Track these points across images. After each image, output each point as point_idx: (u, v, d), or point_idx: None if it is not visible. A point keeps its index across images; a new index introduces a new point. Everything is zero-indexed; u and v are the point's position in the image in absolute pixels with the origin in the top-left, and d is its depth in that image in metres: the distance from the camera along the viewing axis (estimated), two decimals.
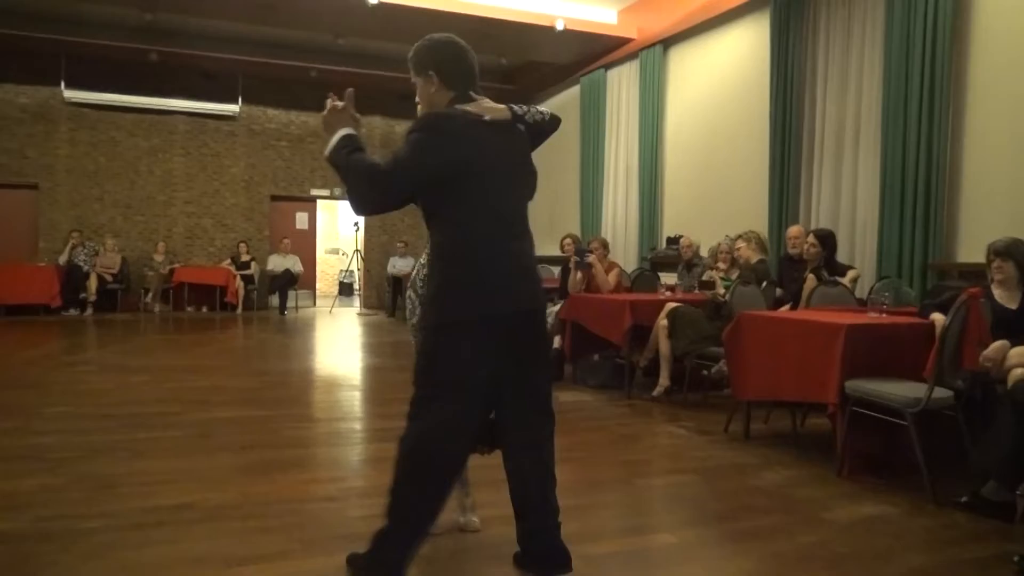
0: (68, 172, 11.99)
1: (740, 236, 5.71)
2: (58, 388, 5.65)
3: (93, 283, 11.33)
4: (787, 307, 5.26)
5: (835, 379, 3.53)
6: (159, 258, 12.06)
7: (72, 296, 11.28)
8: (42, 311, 10.94)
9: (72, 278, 11.28)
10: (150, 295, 11.95)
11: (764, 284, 5.39)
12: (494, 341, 2.18)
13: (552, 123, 2.43)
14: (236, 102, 12.75)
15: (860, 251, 6.38)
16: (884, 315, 3.97)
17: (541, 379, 2.37)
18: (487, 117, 2.25)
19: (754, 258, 5.62)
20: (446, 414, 2.19)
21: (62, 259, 11.38)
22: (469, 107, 2.26)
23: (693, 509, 3.25)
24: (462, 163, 2.16)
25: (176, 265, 12.16)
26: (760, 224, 6.97)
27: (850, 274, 5.38)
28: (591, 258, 6.41)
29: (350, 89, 2.36)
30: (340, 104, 2.36)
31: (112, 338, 9.01)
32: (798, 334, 3.87)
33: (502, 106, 2.31)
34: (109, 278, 11.59)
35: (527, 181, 2.39)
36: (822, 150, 6.83)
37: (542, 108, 2.42)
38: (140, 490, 3.22)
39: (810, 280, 5.16)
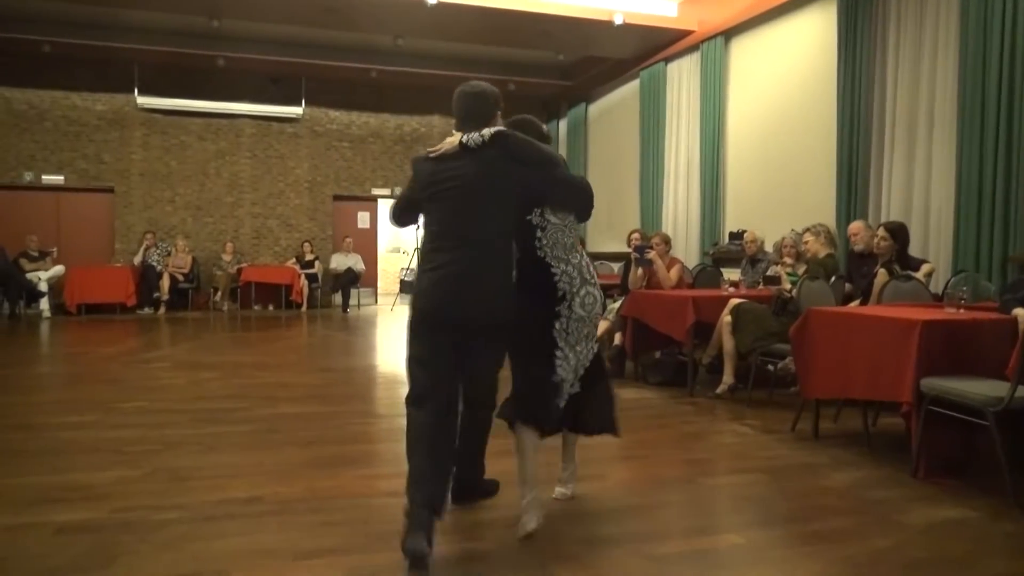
0: (142, 176, 12.46)
1: (808, 230, 5.54)
2: (134, 384, 5.87)
3: (166, 283, 11.76)
4: (856, 303, 5.09)
5: (910, 377, 3.40)
6: (227, 258, 12.43)
7: (146, 295, 11.74)
8: (118, 309, 11.41)
9: (146, 278, 11.74)
10: (219, 294, 12.32)
11: (833, 279, 5.23)
12: (431, 333, 2.69)
13: (497, 142, 2.64)
14: (300, 104, 13.03)
15: (935, 244, 6.13)
16: (962, 310, 3.81)
17: (479, 370, 2.85)
18: (432, 153, 2.73)
19: (822, 252, 5.45)
20: (411, 390, 2.72)
21: (137, 260, 11.84)
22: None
23: (761, 510, 3.18)
24: (418, 191, 2.80)
25: (243, 265, 12.50)
26: (827, 218, 6.77)
27: (924, 268, 5.17)
28: (651, 254, 6.33)
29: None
30: None
31: (184, 336, 9.32)
32: (870, 330, 3.74)
33: (451, 139, 2.69)
34: (180, 278, 12.00)
35: (490, 197, 2.68)
36: (893, 141, 6.59)
37: (483, 131, 2.65)
38: (212, 483, 3.32)
39: (881, 275, 4.97)
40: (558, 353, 2.81)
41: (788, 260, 5.79)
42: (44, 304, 10.96)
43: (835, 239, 5.65)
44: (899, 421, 3.89)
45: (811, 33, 7.79)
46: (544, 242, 2.80)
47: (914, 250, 5.90)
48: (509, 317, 2.74)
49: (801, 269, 5.54)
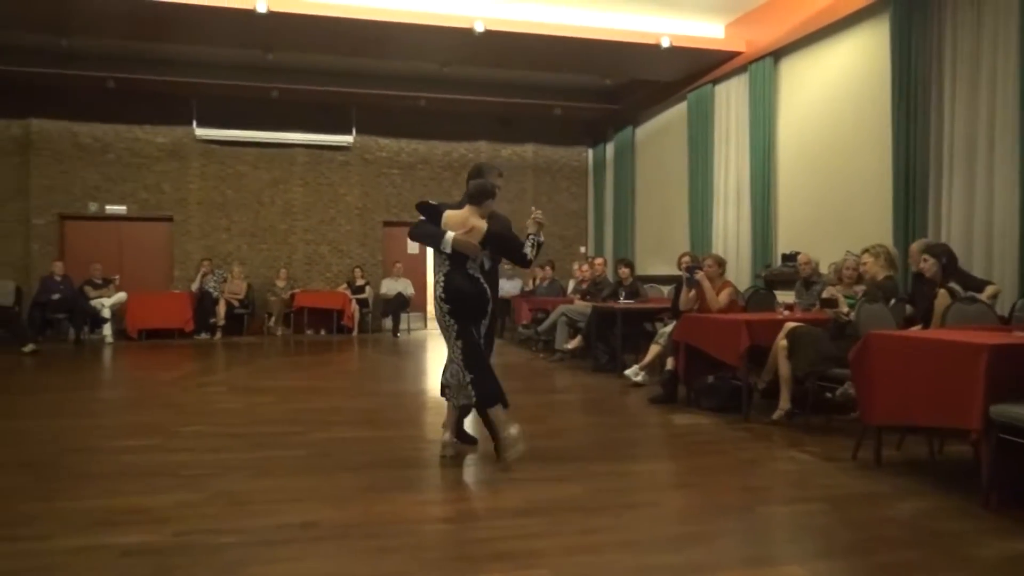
0: (199, 204, 12.84)
1: (867, 250, 5.39)
2: (192, 408, 6.00)
3: (222, 308, 12.04)
4: (919, 327, 4.94)
5: (979, 403, 3.27)
6: (281, 284, 12.68)
7: (203, 321, 12.02)
8: (176, 335, 11.71)
9: (203, 304, 12.03)
10: (273, 319, 12.56)
11: (893, 302, 5.08)
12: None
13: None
14: (350, 133, 13.31)
15: (999, 264, 5.93)
16: None
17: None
18: None
19: (881, 274, 5.30)
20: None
21: (194, 286, 12.16)
22: None
23: (822, 540, 3.08)
24: None
25: (296, 290, 12.74)
26: (884, 239, 6.60)
27: (988, 290, 5.00)
28: (699, 275, 6.29)
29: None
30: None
31: (239, 360, 9.52)
32: (934, 355, 3.62)
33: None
34: (236, 303, 12.28)
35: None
36: (951, 159, 6.43)
37: None
38: (268, 507, 3.36)
39: (941, 296, 4.80)
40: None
41: (846, 282, 5.65)
42: (107, 330, 11.31)
43: (895, 260, 5.49)
44: (967, 449, 3.75)
45: (863, 50, 7.67)
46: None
47: (977, 270, 5.72)
48: None
49: (858, 292, 5.40)
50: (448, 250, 4.07)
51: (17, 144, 12.09)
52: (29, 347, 9.69)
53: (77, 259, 11.85)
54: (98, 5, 8.25)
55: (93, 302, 11.27)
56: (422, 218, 4.26)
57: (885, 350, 3.97)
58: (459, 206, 4.24)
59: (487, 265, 4.26)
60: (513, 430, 4.04)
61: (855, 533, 3.10)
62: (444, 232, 4.05)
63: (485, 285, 4.23)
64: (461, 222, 4.10)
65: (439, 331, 4.36)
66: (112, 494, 3.57)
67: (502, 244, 4.25)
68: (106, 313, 11.29)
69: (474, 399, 4.14)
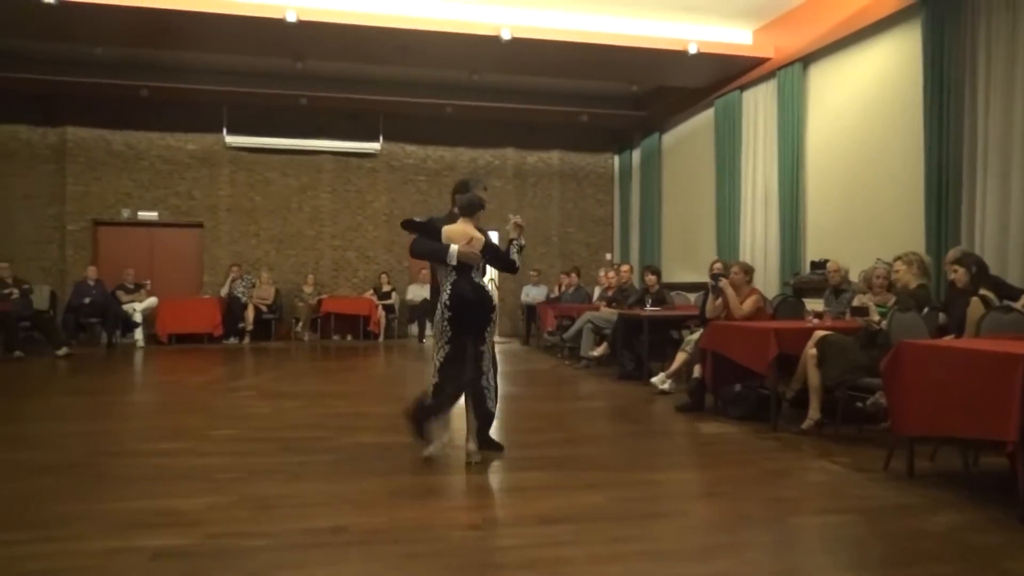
0: (228, 211, 13.02)
1: (899, 258, 5.31)
2: (222, 412, 6.07)
3: (250, 313, 12.18)
4: (951, 336, 4.86)
5: (1015, 414, 3.20)
6: (308, 289, 12.80)
7: (232, 326, 12.16)
8: (206, 339, 11.86)
9: (232, 309, 12.17)
10: (300, 324, 12.68)
11: (925, 311, 5.01)
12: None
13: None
14: (377, 140, 13.42)
15: None
16: None
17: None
18: None
19: (914, 283, 5.22)
20: None
21: (223, 291, 12.32)
22: None
23: (855, 552, 3.03)
24: None
25: (323, 296, 12.85)
26: (916, 246, 6.51)
27: None
28: (723, 282, 6.30)
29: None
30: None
31: (267, 365, 9.61)
32: (969, 365, 3.56)
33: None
34: (264, 309, 12.41)
35: None
36: (986, 165, 6.33)
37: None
38: (297, 512, 3.39)
39: (974, 305, 4.73)
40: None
41: (876, 290, 5.57)
42: (138, 334, 11.50)
43: (928, 269, 5.41)
44: (1003, 461, 3.68)
45: (894, 55, 7.59)
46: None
47: (1013, 278, 5.62)
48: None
49: (890, 300, 5.33)
50: (454, 262, 4.29)
51: (53, 152, 12.36)
52: (63, 351, 9.87)
53: (110, 264, 12.07)
54: (132, 16, 8.41)
55: (125, 307, 11.47)
56: (413, 230, 4.50)
57: (918, 359, 3.90)
58: (448, 219, 4.50)
59: (485, 272, 4.50)
60: (431, 449, 4.36)
61: (888, 546, 3.06)
62: (447, 246, 4.28)
63: (489, 292, 4.49)
64: (462, 234, 4.34)
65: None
66: (145, 496, 3.62)
67: (496, 253, 4.50)
68: (138, 317, 11.48)
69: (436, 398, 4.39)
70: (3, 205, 12.15)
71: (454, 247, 4.27)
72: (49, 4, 7.89)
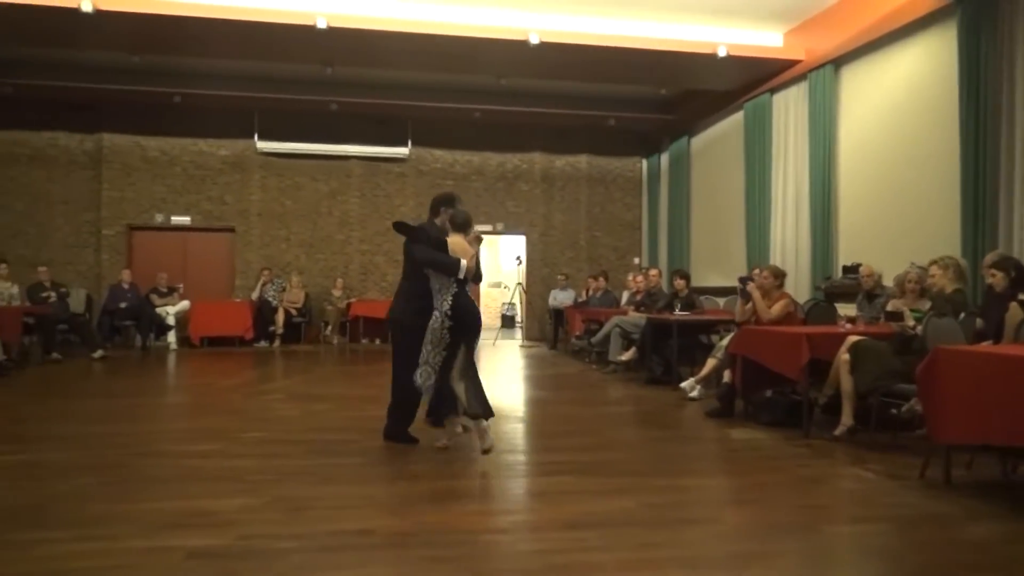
0: (259, 215, 13.18)
1: (935, 262, 5.21)
2: (253, 414, 6.14)
3: (281, 317, 12.30)
4: (989, 342, 4.75)
5: None
6: (337, 293, 12.91)
7: (262, 329, 12.29)
8: (237, 342, 12.00)
9: (263, 312, 12.31)
10: (329, 328, 12.79)
11: (962, 316, 4.91)
12: None
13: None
14: (406, 145, 13.51)
15: None
16: None
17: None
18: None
19: (950, 287, 5.11)
20: None
21: (254, 295, 12.47)
22: None
23: (890, 563, 2.98)
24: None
25: (352, 300, 12.95)
26: (951, 250, 6.38)
27: None
28: (750, 285, 6.28)
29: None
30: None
31: (297, 368, 9.70)
32: (1007, 371, 3.48)
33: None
34: (294, 312, 12.53)
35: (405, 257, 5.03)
36: (1023, 167, 6.20)
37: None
38: (327, 514, 3.41)
39: (1013, 310, 4.62)
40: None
41: (909, 295, 5.47)
42: (171, 337, 11.68)
43: (965, 273, 5.30)
44: None
45: (929, 57, 7.47)
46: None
47: None
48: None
49: (924, 305, 5.23)
50: (462, 276, 4.53)
51: (90, 158, 12.62)
52: (98, 353, 10.05)
53: (144, 268, 12.30)
54: (165, 24, 8.56)
55: (159, 310, 11.65)
56: (408, 234, 4.82)
57: (954, 365, 3.83)
58: (431, 229, 4.81)
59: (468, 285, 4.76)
60: (444, 440, 4.77)
61: (925, 556, 3.00)
62: (458, 260, 4.52)
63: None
64: (464, 250, 4.60)
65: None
66: (179, 497, 3.68)
67: (477, 266, 4.75)
68: (171, 321, 11.66)
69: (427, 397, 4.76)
70: (42, 210, 12.44)
71: (463, 262, 4.51)
72: (87, 13, 8.06)
